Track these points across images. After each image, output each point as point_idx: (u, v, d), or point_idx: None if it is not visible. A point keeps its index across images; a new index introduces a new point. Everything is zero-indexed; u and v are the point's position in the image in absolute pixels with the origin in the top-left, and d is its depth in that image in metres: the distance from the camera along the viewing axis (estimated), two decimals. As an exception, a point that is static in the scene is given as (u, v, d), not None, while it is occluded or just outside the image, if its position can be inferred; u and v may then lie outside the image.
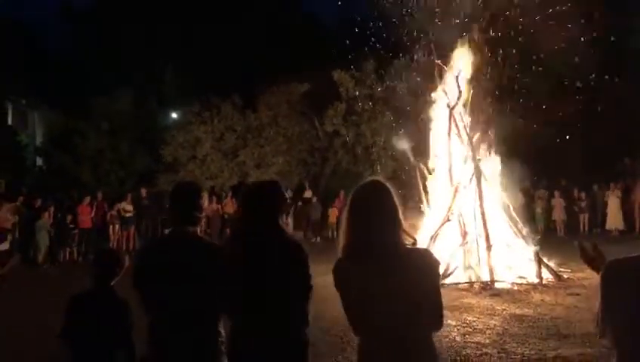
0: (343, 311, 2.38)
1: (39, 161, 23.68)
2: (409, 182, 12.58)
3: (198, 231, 3.12)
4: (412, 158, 12.31)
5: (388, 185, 2.42)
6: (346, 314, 2.37)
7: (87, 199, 15.95)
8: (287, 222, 2.64)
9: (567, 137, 17.89)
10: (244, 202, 2.87)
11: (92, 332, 3.17)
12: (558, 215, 18.02)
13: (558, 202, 18.03)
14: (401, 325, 2.24)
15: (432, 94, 12.08)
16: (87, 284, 3.37)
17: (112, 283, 3.32)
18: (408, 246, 2.35)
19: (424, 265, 2.30)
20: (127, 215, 16.54)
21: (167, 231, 3.24)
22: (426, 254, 2.39)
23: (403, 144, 12.56)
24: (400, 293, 2.23)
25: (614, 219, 16.94)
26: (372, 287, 2.25)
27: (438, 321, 2.32)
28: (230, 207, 18.10)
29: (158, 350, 2.86)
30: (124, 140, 20.65)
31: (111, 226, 16.26)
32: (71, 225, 14.97)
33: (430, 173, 11.77)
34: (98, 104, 20.43)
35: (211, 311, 2.84)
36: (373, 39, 18.93)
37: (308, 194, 19.42)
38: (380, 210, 2.33)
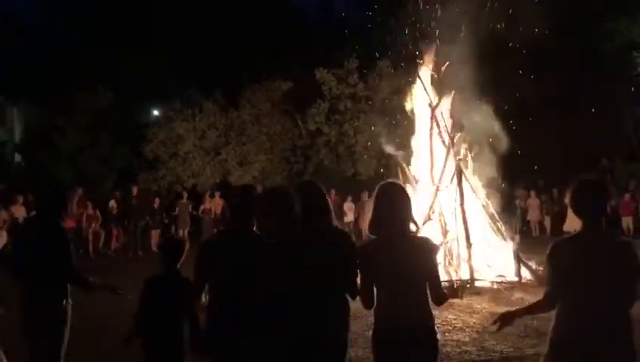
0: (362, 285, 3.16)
1: (18, 158, 23.31)
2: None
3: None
4: (394, 157, 12.35)
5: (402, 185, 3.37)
6: (365, 287, 3.14)
7: (76, 197, 15.20)
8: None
9: (545, 136, 18.12)
10: (303, 199, 3.48)
11: (164, 307, 3.76)
12: (534, 215, 18.06)
13: (533, 202, 18.08)
14: (403, 292, 3.03)
15: (414, 93, 12.14)
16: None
17: (177, 266, 3.90)
18: (414, 233, 3.23)
19: (426, 248, 3.16)
20: (113, 213, 16.09)
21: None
22: (428, 241, 3.25)
23: (386, 144, 12.60)
24: (408, 268, 3.04)
25: (573, 220, 16.99)
26: (389, 263, 3.05)
27: (438, 292, 3.12)
28: (219, 206, 17.75)
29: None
30: (104, 137, 20.41)
31: (86, 226, 15.52)
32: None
33: (411, 173, 11.82)
34: (78, 100, 20.13)
35: None
36: (355, 37, 19.00)
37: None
38: (400, 203, 3.25)
